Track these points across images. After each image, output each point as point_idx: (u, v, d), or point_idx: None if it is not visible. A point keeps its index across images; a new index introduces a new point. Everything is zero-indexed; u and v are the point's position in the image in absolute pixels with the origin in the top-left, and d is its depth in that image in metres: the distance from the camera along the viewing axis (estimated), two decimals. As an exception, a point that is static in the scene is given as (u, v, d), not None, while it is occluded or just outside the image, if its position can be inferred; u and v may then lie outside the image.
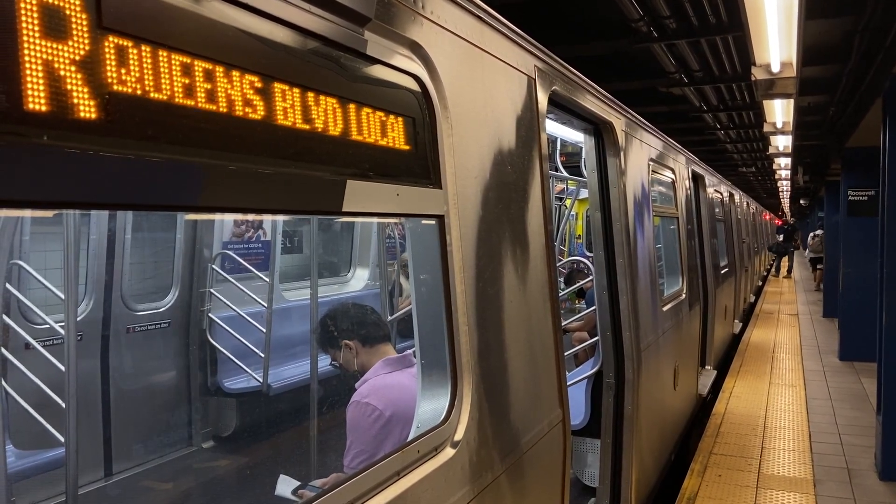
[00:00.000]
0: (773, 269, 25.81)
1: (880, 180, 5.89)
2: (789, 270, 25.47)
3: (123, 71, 1.11)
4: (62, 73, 1.02)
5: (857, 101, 7.88)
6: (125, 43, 1.12)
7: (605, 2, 5.94)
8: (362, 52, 1.71)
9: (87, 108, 1.05)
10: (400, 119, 1.85)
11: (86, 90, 1.05)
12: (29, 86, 0.98)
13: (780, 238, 26.08)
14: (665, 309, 5.23)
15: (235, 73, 1.33)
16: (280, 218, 6.07)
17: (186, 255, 5.89)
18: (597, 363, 4.22)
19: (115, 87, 1.10)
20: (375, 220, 5.91)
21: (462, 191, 2.13)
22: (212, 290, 5.91)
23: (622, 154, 4.12)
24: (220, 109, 1.29)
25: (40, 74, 0.99)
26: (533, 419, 2.59)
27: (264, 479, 4.80)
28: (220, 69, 1.29)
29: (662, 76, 8.26)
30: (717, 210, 9.59)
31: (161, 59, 1.17)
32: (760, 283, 21.14)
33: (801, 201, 29.64)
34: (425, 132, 1.98)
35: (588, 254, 10.28)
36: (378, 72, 1.80)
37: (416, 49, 1.94)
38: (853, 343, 9.72)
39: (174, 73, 1.20)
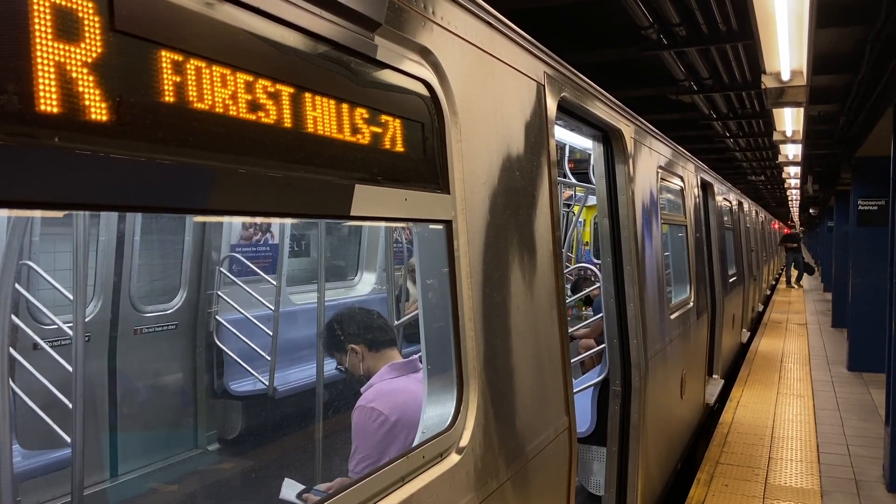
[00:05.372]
0: (794, 278, 25.47)
1: (891, 190, 5.86)
2: (798, 279, 25.29)
3: (135, 74, 1.12)
4: (74, 75, 1.02)
5: (868, 111, 7.85)
6: (137, 46, 1.12)
7: (614, 9, 5.93)
8: (372, 57, 1.72)
9: (98, 111, 1.05)
10: (409, 124, 1.85)
11: (97, 92, 1.05)
12: (41, 87, 0.98)
13: (793, 245, 25.75)
14: (673, 317, 5.21)
15: (247, 77, 1.33)
16: (288, 221, 6.09)
17: (194, 257, 5.91)
18: (603, 371, 4.21)
19: (127, 90, 1.10)
20: (383, 224, 5.92)
21: (470, 196, 2.13)
22: (219, 293, 5.93)
23: (631, 161, 4.11)
24: (231, 113, 1.30)
25: (52, 76, 1.00)
26: (539, 426, 2.58)
27: (269, 482, 4.80)
28: (230, 73, 1.30)
29: (672, 84, 8.24)
30: (725, 218, 9.55)
31: (173, 62, 1.18)
32: (769, 293, 21.04)
33: (811, 210, 29.50)
34: (434, 137, 1.98)
35: (596, 261, 10.26)
36: (388, 77, 1.80)
37: (426, 54, 1.94)
38: (862, 353, 9.65)
39: (185, 76, 1.20)
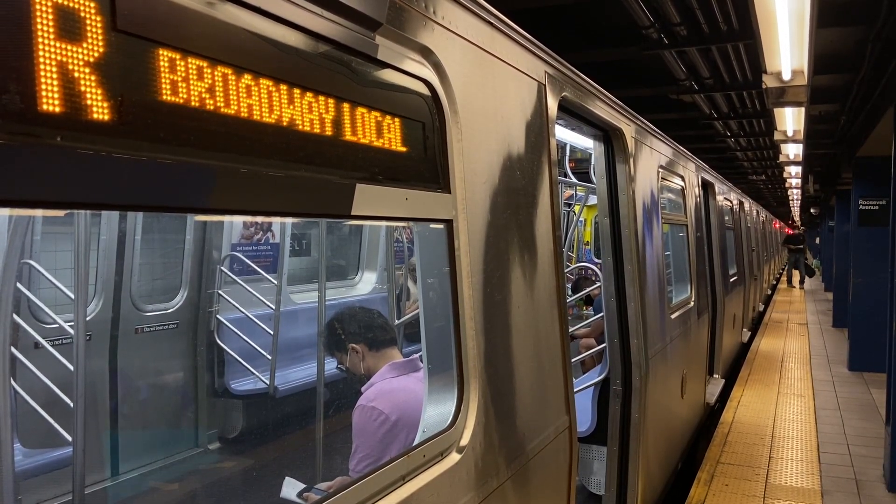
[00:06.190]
0: (796, 279, 25.34)
1: (891, 190, 5.86)
2: (801, 281, 25.17)
3: (137, 73, 1.12)
4: (76, 74, 1.03)
5: (868, 111, 7.85)
6: (139, 45, 1.13)
7: (615, 8, 5.93)
8: (373, 57, 1.72)
9: (100, 110, 1.06)
10: (410, 123, 1.85)
11: (99, 92, 1.05)
12: (43, 87, 0.99)
13: (793, 247, 25.60)
14: (673, 316, 5.21)
15: (248, 77, 1.33)
16: (290, 221, 6.10)
17: (195, 256, 5.92)
18: (604, 370, 4.21)
19: (129, 90, 1.11)
20: (384, 223, 5.91)
21: (471, 196, 2.14)
22: (220, 292, 5.93)
23: (632, 161, 4.11)
24: (232, 112, 1.30)
25: (55, 76, 1.00)
26: (539, 425, 2.58)
27: (270, 481, 4.80)
28: (232, 72, 1.30)
29: (673, 83, 8.23)
30: (726, 218, 9.55)
31: (174, 62, 1.18)
32: (770, 292, 21.03)
33: (812, 210, 29.46)
34: (435, 137, 1.98)
35: (596, 260, 10.26)
36: (389, 76, 1.80)
37: (427, 54, 1.94)
38: (863, 353, 9.65)
39: (187, 75, 1.21)
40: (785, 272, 26.21)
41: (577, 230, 12.11)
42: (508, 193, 2.43)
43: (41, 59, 0.99)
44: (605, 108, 3.64)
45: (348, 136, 1.61)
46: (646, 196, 4.47)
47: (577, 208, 9.68)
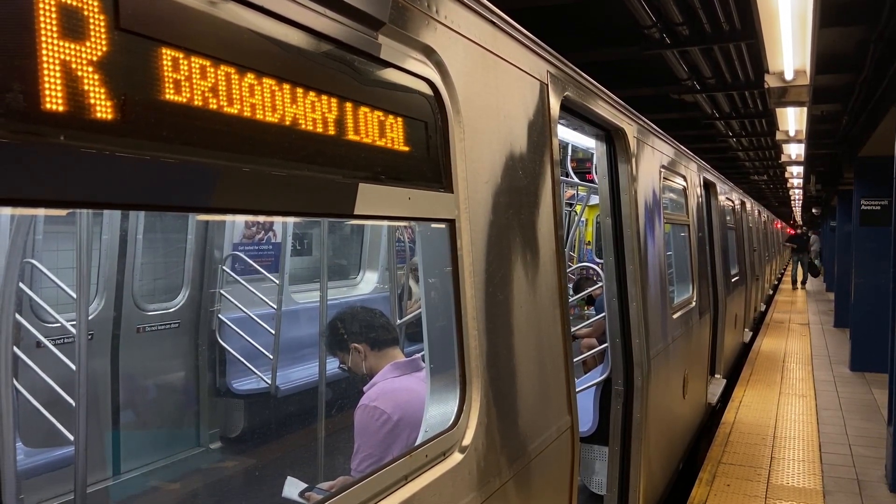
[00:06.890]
0: (801, 280, 25.07)
1: (893, 190, 5.85)
2: (804, 281, 25.06)
3: (140, 72, 1.12)
4: (79, 73, 1.03)
5: (870, 111, 7.85)
6: (142, 44, 1.13)
7: (617, 8, 5.93)
8: (376, 56, 1.72)
9: (103, 109, 1.06)
10: (413, 123, 1.85)
11: (102, 91, 1.05)
12: (46, 86, 0.98)
13: (795, 247, 25.46)
14: (675, 316, 5.21)
15: (251, 76, 1.33)
16: (292, 220, 6.10)
17: (197, 255, 5.92)
18: (605, 370, 4.21)
19: (132, 89, 1.11)
20: (386, 223, 5.92)
21: (473, 195, 2.13)
22: (222, 291, 5.94)
23: (633, 160, 4.11)
24: (235, 112, 1.30)
25: (58, 75, 1.00)
26: (541, 425, 2.58)
27: (271, 481, 4.80)
28: (235, 71, 1.30)
29: (675, 83, 8.23)
30: (728, 218, 9.54)
31: (177, 61, 1.18)
32: (771, 293, 21.00)
33: (813, 210, 29.44)
34: (437, 136, 1.98)
35: (598, 260, 10.26)
36: (391, 76, 1.80)
37: (430, 53, 1.94)
38: (864, 353, 9.63)
39: (190, 75, 1.20)
40: (789, 269, 26.08)
41: (578, 230, 12.11)
42: (511, 193, 2.42)
43: (44, 58, 0.99)
44: (607, 108, 3.64)
45: (351, 136, 1.61)
46: (648, 196, 4.47)
47: (578, 208, 9.69)
